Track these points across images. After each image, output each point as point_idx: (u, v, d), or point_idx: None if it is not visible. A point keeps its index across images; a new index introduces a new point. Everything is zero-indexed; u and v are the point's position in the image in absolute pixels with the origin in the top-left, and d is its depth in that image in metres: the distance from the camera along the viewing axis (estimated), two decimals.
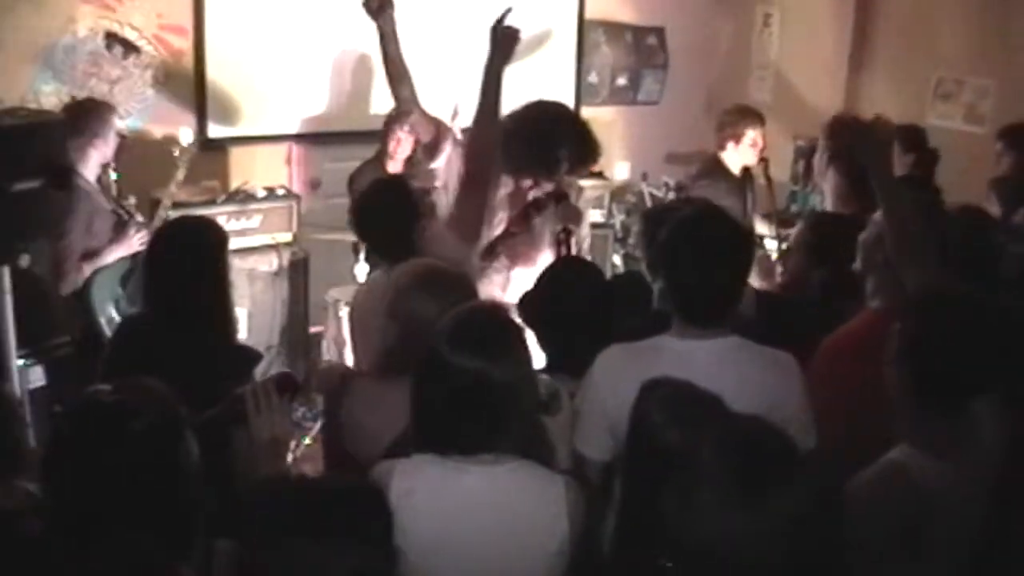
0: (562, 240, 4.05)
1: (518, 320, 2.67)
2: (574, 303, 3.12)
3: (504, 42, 3.61)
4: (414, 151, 6.05)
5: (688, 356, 2.63)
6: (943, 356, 2.42)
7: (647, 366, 2.60)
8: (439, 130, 4.26)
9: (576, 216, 4.18)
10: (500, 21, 3.60)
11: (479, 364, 2.29)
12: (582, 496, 2.40)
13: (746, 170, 5.59)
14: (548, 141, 4.00)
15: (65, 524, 2.08)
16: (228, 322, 3.33)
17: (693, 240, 2.72)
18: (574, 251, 4.09)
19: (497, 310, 2.52)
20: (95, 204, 4.76)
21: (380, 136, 6.12)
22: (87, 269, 4.74)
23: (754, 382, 2.59)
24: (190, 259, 3.26)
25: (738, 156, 5.50)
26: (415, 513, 2.29)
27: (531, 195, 4.15)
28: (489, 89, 3.63)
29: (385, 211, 3.79)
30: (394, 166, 6.08)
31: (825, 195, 4.58)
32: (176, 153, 5.20)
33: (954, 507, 2.41)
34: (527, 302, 3.22)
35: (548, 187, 4.12)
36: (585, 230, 4.41)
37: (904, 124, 5.44)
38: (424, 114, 4.22)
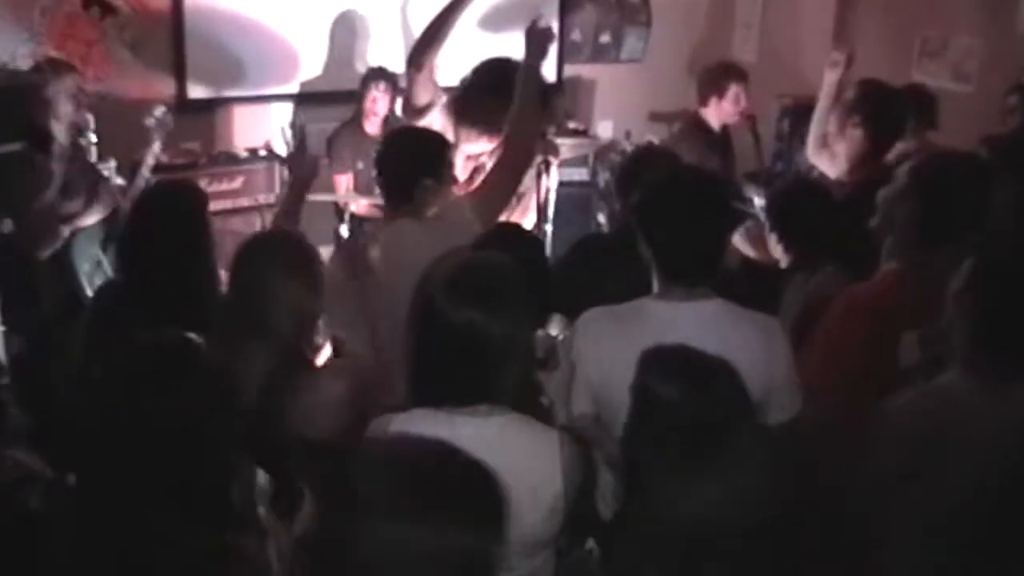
0: (542, 171, 4.20)
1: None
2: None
3: (538, 41, 3.80)
4: (391, 110, 6.02)
5: (671, 319, 2.59)
6: (1004, 301, 2.46)
7: (629, 330, 2.59)
8: (435, 95, 4.26)
9: (554, 150, 4.30)
10: (535, 23, 3.80)
11: (476, 315, 2.25)
12: (577, 452, 2.37)
13: (725, 128, 5.55)
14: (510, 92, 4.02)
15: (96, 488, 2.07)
16: (212, 286, 3.29)
17: (671, 198, 2.70)
18: (553, 183, 4.35)
19: (497, 260, 2.46)
20: (68, 166, 4.68)
21: (357, 95, 6.06)
22: (65, 231, 4.68)
23: (738, 346, 2.52)
24: (170, 225, 3.20)
25: (720, 112, 5.46)
26: None
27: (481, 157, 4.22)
28: (528, 85, 3.76)
29: (396, 156, 3.69)
30: (371, 126, 6.03)
31: (837, 156, 4.54)
32: (151, 124, 5.11)
33: (994, 434, 2.43)
34: None
35: None
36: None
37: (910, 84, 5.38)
38: (431, 77, 4.25)
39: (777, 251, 3.76)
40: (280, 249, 2.96)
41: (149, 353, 2.16)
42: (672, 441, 2.08)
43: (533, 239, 3.19)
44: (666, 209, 2.68)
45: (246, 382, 2.58)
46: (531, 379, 2.51)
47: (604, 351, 2.63)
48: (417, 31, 6.74)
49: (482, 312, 2.25)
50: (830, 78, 4.60)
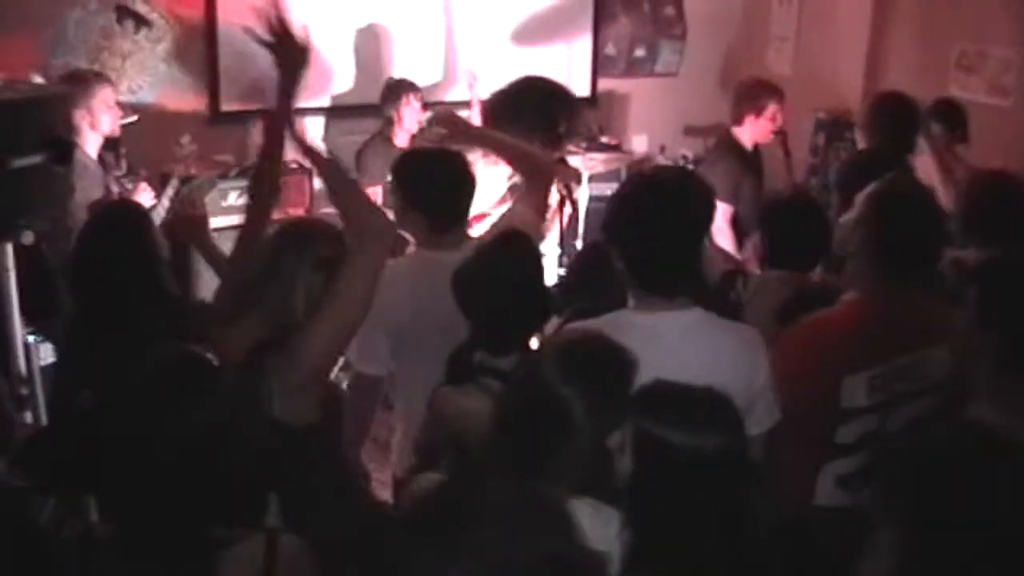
0: (565, 197, 4.13)
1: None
2: (498, 280, 2.94)
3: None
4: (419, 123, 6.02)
5: (651, 330, 2.54)
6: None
7: None
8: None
9: (576, 176, 4.27)
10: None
11: (571, 393, 2.19)
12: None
13: (756, 145, 5.50)
14: (547, 113, 4.00)
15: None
16: (162, 300, 3.33)
17: (639, 206, 2.65)
18: (581, 201, 4.21)
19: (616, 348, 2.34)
20: (93, 177, 4.71)
21: (386, 108, 6.05)
22: None
23: (719, 355, 2.52)
24: (120, 247, 3.30)
25: (755, 130, 5.40)
26: None
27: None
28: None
29: (445, 182, 3.51)
30: (402, 137, 6.02)
31: None
32: (181, 150, 5.16)
33: None
34: (459, 275, 3.02)
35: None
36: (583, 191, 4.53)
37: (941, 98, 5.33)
38: None
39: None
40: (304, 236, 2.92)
41: (167, 370, 2.16)
42: (681, 489, 2.03)
43: (531, 247, 3.15)
44: (629, 222, 2.65)
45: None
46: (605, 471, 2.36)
47: None
48: (443, 43, 6.84)
49: (584, 402, 2.18)
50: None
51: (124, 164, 5.09)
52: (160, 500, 2.04)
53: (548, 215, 4.37)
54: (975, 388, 2.48)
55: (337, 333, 2.68)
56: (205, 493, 2.06)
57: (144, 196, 4.84)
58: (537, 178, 3.70)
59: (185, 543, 2.03)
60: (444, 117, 4.37)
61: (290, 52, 2.96)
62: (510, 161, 3.83)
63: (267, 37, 2.91)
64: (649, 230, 2.58)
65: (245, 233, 3.05)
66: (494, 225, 3.63)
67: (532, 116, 3.96)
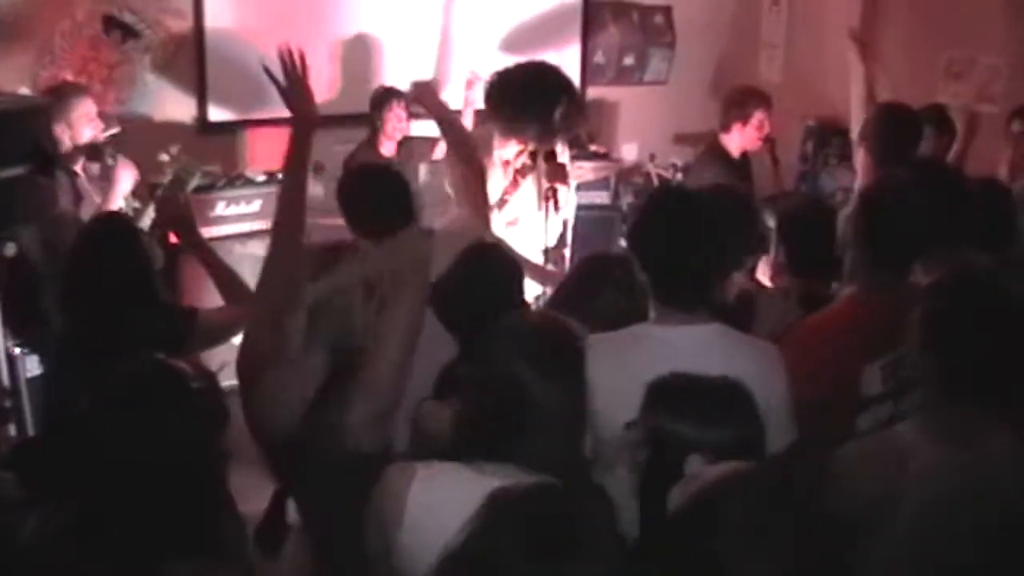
0: (549, 197, 4.13)
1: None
2: (484, 292, 2.99)
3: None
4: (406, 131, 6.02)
5: (669, 343, 2.55)
6: (972, 346, 2.32)
7: (627, 355, 2.55)
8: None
9: (563, 175, 4.26)
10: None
11: (531, 376, 2.19)
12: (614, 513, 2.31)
13: (744, 153, 5.50)
14: (547, 102, 4.01)
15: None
16: (154, 307, 3.32)
17: (662, 219, 2.66)
18: (561, 208, 4.27)
19: (570, 330, 2.39)
20: (77, 188, 4.68)
21: (372, 115, 6.05)
22: None
23: (736, 370, 2.50)
24: (115, 259, 3.29)
25: (742, 138, 5.40)
26: (438, 529, 2.20)
27: (518, 159, 4.24)
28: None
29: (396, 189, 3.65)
30: (388, 147, 6.01)
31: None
32: (166, 159, 5.13)
33: (953, 492, 2.30)
34: (438, 289, 3.04)
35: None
36: (571, 191, 4.62)
37: (932, 104, 5.35)
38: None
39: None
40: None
41: (133, 383, 2.14)
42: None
43: (511, 259, 3.14)
44: (654, 233, 2.65)
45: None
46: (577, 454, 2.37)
47: (601, 378, 2.58)
48: (433, 52, 6.83)
49: (540, 375, 2.19)
50: (856, 73, 4.98)
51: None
52: (130, 512, 2.03)
53: (536, 207, 4.35)
54: (914, 411, 2.47)
55: (402, 361, 2.72)
56: (162, 515, 2.03)
57: (126, 176, 4.77)
58: (469, 170, 3.80)
59: (146, 559, 2.01)
60: (421, 88, 4.44)
61: (301, 99, 3.12)
62: (448, 143, 4.02)
63: (282, 80, 3.08)
64: (668, 242, 2.60)
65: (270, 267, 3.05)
66: (440, 233, 3.64)
67: (531, 102, 3.98)
